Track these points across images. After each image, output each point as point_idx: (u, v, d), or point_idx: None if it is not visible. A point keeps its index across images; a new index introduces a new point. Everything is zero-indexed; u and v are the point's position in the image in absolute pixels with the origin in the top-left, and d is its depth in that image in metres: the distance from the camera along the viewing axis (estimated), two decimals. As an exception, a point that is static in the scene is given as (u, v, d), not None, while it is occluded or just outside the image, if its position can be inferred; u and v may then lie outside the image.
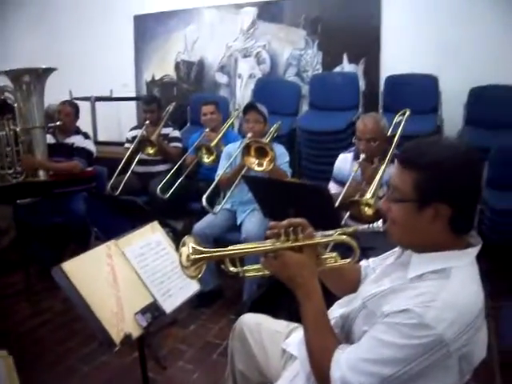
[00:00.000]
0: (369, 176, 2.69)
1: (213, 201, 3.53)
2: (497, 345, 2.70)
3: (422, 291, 1.13)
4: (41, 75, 3.71)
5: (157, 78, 5.92)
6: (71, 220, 3.83)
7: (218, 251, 1.38)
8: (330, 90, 4.54)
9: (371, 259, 1.56)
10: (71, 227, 3.90)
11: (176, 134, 4.53)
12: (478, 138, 3.87)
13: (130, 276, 1.80)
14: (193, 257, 1.33)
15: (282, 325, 1.75)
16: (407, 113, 3.06)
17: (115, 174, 4.09)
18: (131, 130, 4.67)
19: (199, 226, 3.30)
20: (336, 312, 1.35)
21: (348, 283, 1.51)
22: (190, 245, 1.36)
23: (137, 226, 2.04)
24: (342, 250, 1.44)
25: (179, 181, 3.94)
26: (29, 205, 3.74)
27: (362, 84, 4.66)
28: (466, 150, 1.20)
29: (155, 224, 2.06)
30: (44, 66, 3.73)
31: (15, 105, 3.76)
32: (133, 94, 6.07)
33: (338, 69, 4.84)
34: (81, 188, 3.92)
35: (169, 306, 1.83)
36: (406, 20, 4.50)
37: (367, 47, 4.67)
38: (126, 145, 4.53)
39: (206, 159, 3.85)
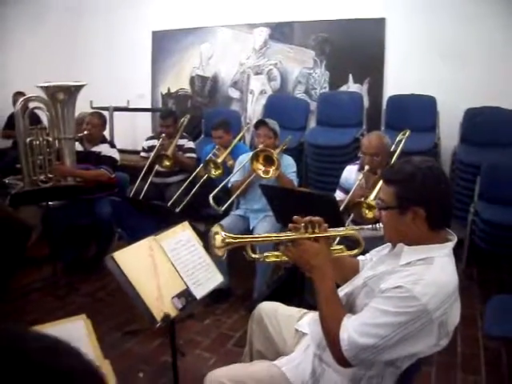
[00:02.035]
0: (372, 185, 3.04)
1: (220, 204, 3.86)
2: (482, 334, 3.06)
3: (411, 273, 1.48)
4: (73, 91, 4.05)
5: (172, 90, 6.26)
6: (96, 222, 4.15)
7: (247, 237, 1.73)
8: (336, 108, 4.89)
9: (368, 254, 1.91)
10: (96, 228, 4.24)
11: (190, 144, 4.81)
12: (471, 154, 4.21)
13: (167, 266, 2.13)
14: (227, 240, 1.69)
15: (294, 310, 2.09)
16: (407, 133, 3.40)
17: (137, 182, 4.38)
18: (147, 139, 4.93)
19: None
20: (341, 293, 1.69)
21: (349, 273, 1.85)
22: (222, 232, 1.71)
23: (163, 227, 2.36)
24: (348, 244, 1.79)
25: (194, 190, 4.23)
26: (58, 207, 4.08)
27: (365, 102, 5.00)
28: (430, 165, 1.59)
29: (186, 223, 2.39)
30: (76, 83, 4.06)
31: (47, 114, 4.09)
32: (149, 106, 6.42)
33: (343, 88, 5.19)
34: (105, 193, 4.24)
35: (199, 293, 2.16)
36: (407, 44, 4.86)
37: (371, 69, 5.02)
38: (142, 153, 4.82)
39: (214, 173, 4.19)
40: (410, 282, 1.45)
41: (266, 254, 1.81)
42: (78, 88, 4.08)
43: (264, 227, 3.58)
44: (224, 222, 3.71)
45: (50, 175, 4.13)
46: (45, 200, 3.89)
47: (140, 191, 4.35)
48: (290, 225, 1.71)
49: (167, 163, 4.50)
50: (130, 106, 6.31)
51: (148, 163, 4.50)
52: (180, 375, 2.28)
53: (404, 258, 1.56)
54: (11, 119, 5.52)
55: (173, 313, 2.00)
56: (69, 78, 4.32)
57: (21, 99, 4.13)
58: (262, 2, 5.47)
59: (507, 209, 3.81)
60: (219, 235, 1.74)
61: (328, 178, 4.36)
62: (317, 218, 1.69)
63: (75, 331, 1.44)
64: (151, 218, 3.48)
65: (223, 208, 3.72)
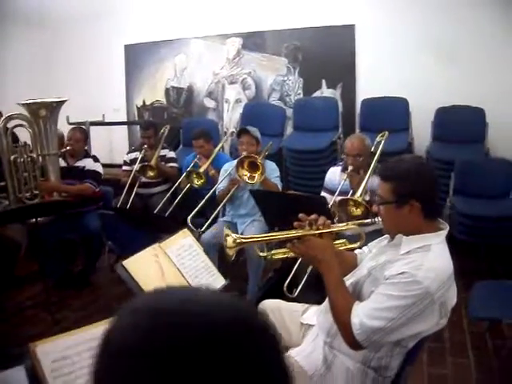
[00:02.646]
0: (356, 184, 3.19)
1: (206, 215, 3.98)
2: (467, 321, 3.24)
3: (412, 260, 1.62)
4: (54, 107, 4.09)
5: (147, 103, 6.34)
6: (85, 236, 4.19)
7: (256, 237, 1.84)
8: (312, 113, 5.06)
9: (365, 247, 2.04)
10: (85, 242, 4.28)
11: (172, 154, 4.90)
12: (444, 152, 4.41)
13: (172, 271, 2.22)
14: (238, 241, 1.80)
15: (297, 305, 2.20)
16: (386, 134, 3.56)
17: (122, 195, 4.44)
18: (129, 153, 4.98)
19: (205, 237, 3.72)
20: (347, 283, 1.81)
21: (348, 266, 1.97)
22: (233, 234, 1.83)
23: (156, 236, 2.44)
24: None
25: (177, 200, 4.32)
26: (45, 222, 4.09)
27: (339, 107, 5.18)
28: (421, 162, 1.82)
29: (186, 230, 2.48)
30: (57, 99, 4.10)
31: (29, 131, 4.11)
32: (124, 119, 6.47)
33: (317, 93, 5.37)
34: (90, 208, 4.27)
35: (205, 294, 2.25)
36: (377, 49, 5.07)
37: (343, 73, 5.22)
38: (124, 167, 4.86)
39: (197, 182, 4.28)
40: (412, 267, 1.58)
41: (273, 251, 1.93)
42: (60, 104, 4.11)
43: (252, 231, 3.67)
44: (212, 229, 3.80)
45: (36, 192, 4.13)
46: (32, 217, 3.90)
47: (125, 203, 4.40)
48: (295, 223, 1.82)
49: (151, 173, 4.57)
50: (106, 120, 6.35)
51: (132, 174, 4.55)
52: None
53: (404, 247, 1.70)
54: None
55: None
56: (43, 93, 4.38)
57: (2, 118, 4.13)
58: (234, 12, 5.61)
59: (481, 201, 4.02)
60: (230, 237, 1.85)
61: (308, 181, 4.51)
62: (321, 216, 1.82)
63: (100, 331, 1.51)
64: (140, 229, 3.54)
65: (202, 230, 3.81)
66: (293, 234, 1.81)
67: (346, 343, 1.65)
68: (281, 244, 1.95)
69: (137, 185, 4.57)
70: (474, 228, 3.82)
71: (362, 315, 1.61)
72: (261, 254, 1.90)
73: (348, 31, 5.15)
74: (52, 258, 4.22)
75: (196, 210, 3.90)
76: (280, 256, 1.93)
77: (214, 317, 0.56)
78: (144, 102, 6.36)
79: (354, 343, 1.62)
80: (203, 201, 3.95)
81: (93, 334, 1.51)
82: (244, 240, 1.84)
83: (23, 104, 4.04)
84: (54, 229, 4.11)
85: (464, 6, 4.71)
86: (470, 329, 3.32)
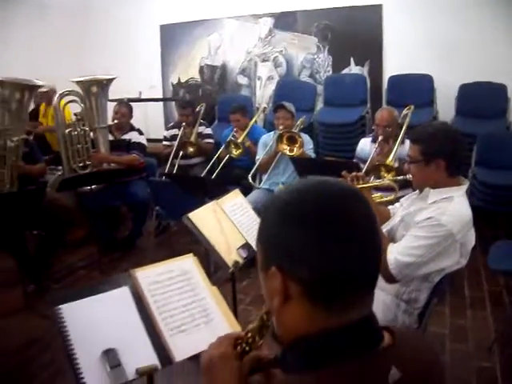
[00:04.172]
0: (386, 152, 3.50)
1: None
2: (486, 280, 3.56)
3: (437, 207, 1.96)
4: (105, 84, 4.44)
5: (182, 80, 6.66)
6: (133, 203, 4.57)
7: None
8: (341, 89, 5.34)
9: (397, 203, 2.37)
10: (132, 209, 4.66)
11: (208, 131, 5.22)
12: (466, 126, 4.65)
13: (228, 224, 2.57)
14: None
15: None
16: (412, 108, 3.85)
17: (168, 165, 4.80)
18: (168, 129, 5.32)
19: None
20: (383, 230, 2.15)
21: (382, 218, 2.30)
22: None
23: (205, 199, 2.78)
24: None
25: (217, 170, 4.67)
26: (94, 191, 4.45)
27: (367, 83, 5.44)
28: (447, 126, 2.14)
29: (237, 191, 2.85)
30: (107, 77, 4.44)
31: (82, 106, 4.45)
32: (160, 96, 6.81)
33: (346, 70, 5.64)
34: (135, 177, 4.63)
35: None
36: (404, 27, 5.30)
37: (371, 51, 5.48)
38: (165, 142, 5.21)
39: (235, 152, 4.63)
40: (437, 213, 1.92)
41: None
42: (110, 81, 4.47)
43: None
44: (251, 196, 4.15)
45: (88, 162, 4.49)
46: (85, 185, 4.30)
47: (169, 174, 4.75)
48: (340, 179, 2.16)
49: (191, 149, 4.90)
50: (142, 97, 6.68)
51: (174, 150, 4.88)
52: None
53: (430, 198, 2.03)
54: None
55: (240, 260, 2.45)
56: (83, 73, 4.66)
57: (57, 94, 4.48)
58: (266, -7, 5.87)
59: (501, 172, 4.29)
60: None
61: (339, 153, 4.80)
62: (359, 173, 2.15)
63: (187, 265, 1.88)
64: (186, 194, 3.89)
65: (260, 185, 4.25)
66: None
67: (382, 277, 1.98)
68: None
69: (179, 158, 4.88)
70: (493, 196, 4.10)
71: (395, 253, 1.95)
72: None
73: (376, 11, 5.38)
74: (100, 223, 4.62)
75: (253, 170, 4.34)
76: None
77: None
78: (179, 80, 6.67)
79: (389, 277, 1.96)
80: (256, 164, 4.34)
81: (177, 265, 1.89)
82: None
83: (77, 81, 4.40)
84: (102, 197, 4.46)
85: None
86: (488, 287, 3.64)
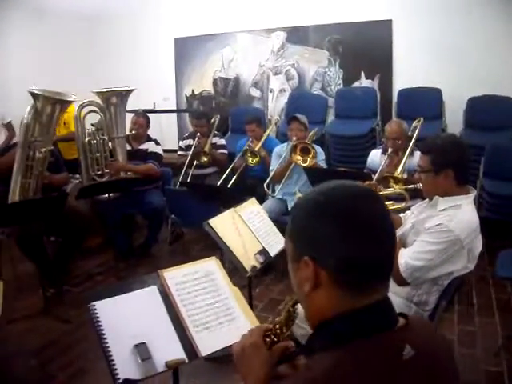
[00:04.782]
0: (395, 164, 3.62)
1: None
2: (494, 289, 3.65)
3: (446, 214, 2.08)
4: (124, 95, 4.58)
5: (196, 92, 6.82)
6: (149, 211, 4.69)
7: None
8: (352, 102, 5.48)
9: (408, 211, 2.49)
10: (148, 217, 4.78)
11: (222, 142, 5.34)
12: (475, 138, 4.76)
13: (246, 231, 2.70)
14: None
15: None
16: (421, 120, 3.97)
17: (181, 175, 4.93)
18: (183, 139, 5.44)
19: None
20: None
21: (395, 225, 2.41)
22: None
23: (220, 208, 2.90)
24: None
25: (234, 179, 4.80)
26: (110, 200, 4.56)
27: (377, 96, 5.58)
28: (455, 138, 2.29)
29: (253, 199, 2.97)
30: (127, 88, 4.58)
31: (101, 116, 4.58)
32: (174, 107, 6.97)
33: (356, 84, 5.78)
34: (152, 186, 4.76)
35: (272, 251, 2.73)
36: (413, 42, 5.44)
37: (381, 65, 5.62)
38: (180, 152, 5.34)
39: (251, 161, 4.76)
40: (446, 220, 2.05)
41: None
42: (129, 92, 4.60)
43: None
44: (265, 205, 4.27)
45: (106, 170, 4.60)
46: (105, 192, 4.43)
47: (183, 183, 4.87)
48: None
49: (205, 159, 5.01)
50: (156, 108, 6.84)
51: (188, 160, 5.01)
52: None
53: (440, 206, 2.15)
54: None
55: (258, 265, 2.57)
56: (100, 84, 4.81)
57: (78, 104, 4.62)
58: (279, 8, 6.03)
59: (509, 183, 4.39)
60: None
61: (349, 164, 4.92)
62: (372, 182, 2.27)
63: (211, 267, 2.00)
64: (201, 202, 4.02)
65: (275, 194, 4.40)
66: None
67: (394, 280, 2.10)
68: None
69: (193, 167, 5.02)
70: (501, 207, 4.20)
71: (406, 257, 2.07)
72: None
73: (386, 26, 5.52)
74: (117, 231, 4.74)
75: (268, 180, 4.48)
76: None
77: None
78: (193, 92, 6.83)
79: (400, 279, 2.07)
80: (271, 174, 4.47)
81: (201, 266, 2.01)
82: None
83: (97, 92, 4.54)
84: (119, 205, 4.57)
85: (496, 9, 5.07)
86: (496, 295, 3.73)
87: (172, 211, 4.46)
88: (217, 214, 2.73)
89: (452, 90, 5.16)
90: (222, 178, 4.83)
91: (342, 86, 5.85)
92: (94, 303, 1.72)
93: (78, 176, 4.90)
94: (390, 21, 5.52)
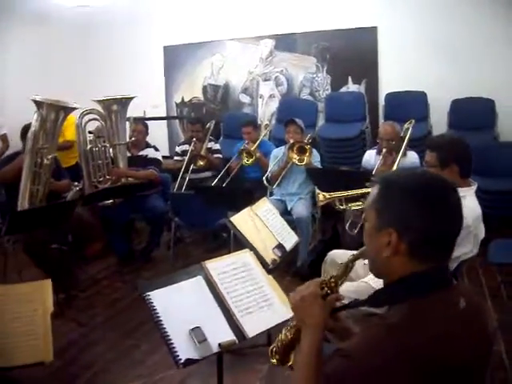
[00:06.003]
0: (389, 164, 3.85)
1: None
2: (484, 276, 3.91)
3: None
4: (124, 102, 4.71)
5: (186, 99, 6.97)
6: (150, 216, 4.80)
7: (339, 193, 2.51)
8: (342, 106, 5.73)
9: None
10: (149, 222, 4.91)
11: (217, 146, 5.52)
12: (459, 138, 5.04)
13: (263, 227, 2.88)
14: (327, 196, 2.46)
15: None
16: (413, 122, 4.22)
17: (178, 179, 5.09)
18: (180, 145, 5.61)
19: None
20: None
21: None
22: (322, 193, 2.49)
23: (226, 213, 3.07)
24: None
25: (226, 181, 4.99)
26: (114, 205, 4.67)
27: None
28: (458, 137, 2.56)
29: (265, 199, 3.17)
30: (128, 96, 4.72)
31: (102, 123, 4.68)
32: (163, 114, 7.10)
33: (343, 89, 6.03)
34: (153, 191, 4.88)
35: (287, 246, 2.92)
36: (397, 47, 5.71)
37: (367, 70, 5.88)
38: (176, 157, 5.49)
39: (247, 161, 4.95)
40: None
41: (350, 204, 2.60)
42: (129, 100, 4.73)
43: (301, 207, 4.36)
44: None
45: (107, 177, 4.71)
46: (109, 198, 4.55)
47: (180, 187, 5.03)
48: (367, 184, 2.50)
49: (201, 163, 5.19)
50: (147, 116, 6.94)
51: (185, 164, 5.17)
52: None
53: None
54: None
55: (277, 258, 2.76)
56: (87, 93, 4.93)
57: (79, 112, 4.72)
58: (267, 16, 6.24)
59: (491, 179, 4.65)
60: (320, 194, 2.52)
61: (341, 165, 5.15)
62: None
63: (246, 259, 2.19)
64: (207, 205, 4.18)
65: (275, 186, 4.59)
66: (364, 190, 2.47)
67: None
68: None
69: (189, 172, 5.15)
70: (486, 201, 4.45)
71: None
72: (341, 207, 2.57)
73: (371, 32, 5.78)
74: (117, 236, 4.86)
75: (266, 174, 4.66)
76: (355, 207, 2.59)
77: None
78: (183, 99, 6.99)
79: None
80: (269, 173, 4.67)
81: (238, 258, 2.19)
82: (330, 196, 2.51)
83: (98, 100, 4.66)
84: (122, 210, 4.69)
85: (477, 7, 5.35)
86: (487, 283, 3.98)
87: (176, 214, 4.60)
88: (222, 215, 2.91)
89: (436, 93, 5.43)
90: (217, 179, 5.00)
91: (329, 91, 6.09)
92: (148, 293, 1.88)
93: (76, 183, 5.00)
94: (376, 27, 5.77)
